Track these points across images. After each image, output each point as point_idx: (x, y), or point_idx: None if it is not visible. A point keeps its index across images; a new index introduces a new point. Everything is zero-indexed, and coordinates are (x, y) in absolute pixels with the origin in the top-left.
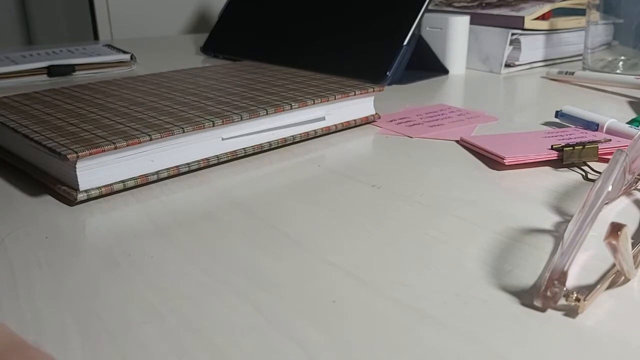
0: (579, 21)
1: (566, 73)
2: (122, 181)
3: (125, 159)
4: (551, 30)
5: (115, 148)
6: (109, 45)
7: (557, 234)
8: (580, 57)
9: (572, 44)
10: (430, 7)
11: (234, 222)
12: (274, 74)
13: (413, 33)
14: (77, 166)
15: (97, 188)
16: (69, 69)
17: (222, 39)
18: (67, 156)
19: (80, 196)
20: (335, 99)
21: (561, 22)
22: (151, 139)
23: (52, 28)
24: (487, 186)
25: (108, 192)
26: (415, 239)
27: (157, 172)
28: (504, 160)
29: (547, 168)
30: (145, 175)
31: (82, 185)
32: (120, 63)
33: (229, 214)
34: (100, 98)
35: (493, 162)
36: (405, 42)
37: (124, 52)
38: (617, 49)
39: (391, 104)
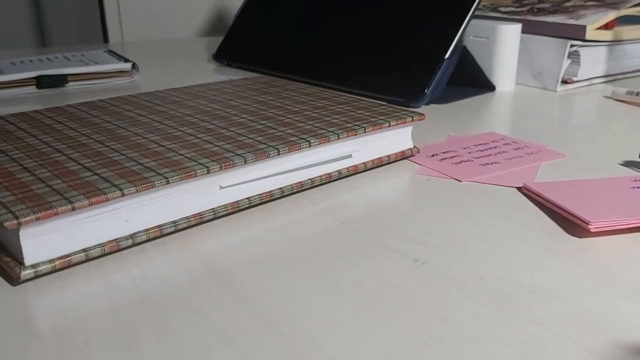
0: None
1: (637, 94)
2: (85, 250)
3: (90, 221)
4: (615, 42)
5: (74, 209)
6: (110, 51)
7: None
8: None
9: (636, 57)
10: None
11: (212, 308)
12: (290, 95)
13: (456, 44)
14: (20, 234)
15: (50, 261)
16: (60, 80)
17: (236, 46)
18: (5, 223)
19: (25, 274)
20: (365, 132)
21: (627, 31)
22: (123, 195)
23: (64, 30)
24: (568, 265)
25: (65, 265)
26: None
27: (132, 236)
28: (589, 226)
29: None
30: (117, 241)
31: (28, 259)
32: (120, 72)
33: (209, 295)
34: (74, 129)
35: (571, 223)
36: (447, 55)
37: (126, 59)
38: None
39: (431, 129)
